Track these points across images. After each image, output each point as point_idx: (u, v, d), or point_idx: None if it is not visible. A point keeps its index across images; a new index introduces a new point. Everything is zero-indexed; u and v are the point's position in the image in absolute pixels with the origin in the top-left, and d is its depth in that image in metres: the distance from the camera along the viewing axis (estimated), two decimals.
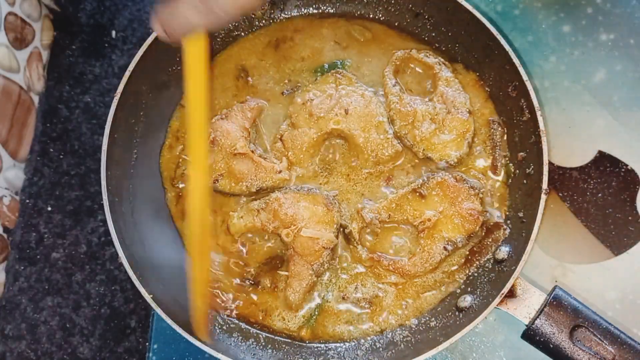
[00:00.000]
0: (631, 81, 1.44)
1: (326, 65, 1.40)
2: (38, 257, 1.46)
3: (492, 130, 1.34)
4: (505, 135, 1.34)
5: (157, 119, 1.38)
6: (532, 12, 1.48)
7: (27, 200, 1.49)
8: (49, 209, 1.49)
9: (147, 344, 1.37)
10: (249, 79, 1.40)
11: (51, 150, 1.53)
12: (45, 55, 1.58)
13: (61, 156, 1.53)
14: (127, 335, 1.43)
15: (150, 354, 1.34)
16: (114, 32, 1.60)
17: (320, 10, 1.44)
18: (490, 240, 1.28)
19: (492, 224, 1.29)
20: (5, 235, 1.45)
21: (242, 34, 1.43)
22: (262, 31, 1.44)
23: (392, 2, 1.41)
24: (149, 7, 1.60)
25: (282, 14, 1.44)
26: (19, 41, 1.49)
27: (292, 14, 1.44)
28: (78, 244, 1.47)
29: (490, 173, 1.33)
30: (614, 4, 1.47)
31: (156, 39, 1.28)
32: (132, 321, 1.44)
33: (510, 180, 1.32)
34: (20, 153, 1.50)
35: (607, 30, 1.46)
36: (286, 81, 1.40)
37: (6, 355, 1.41)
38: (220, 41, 1.42)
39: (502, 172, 1.33)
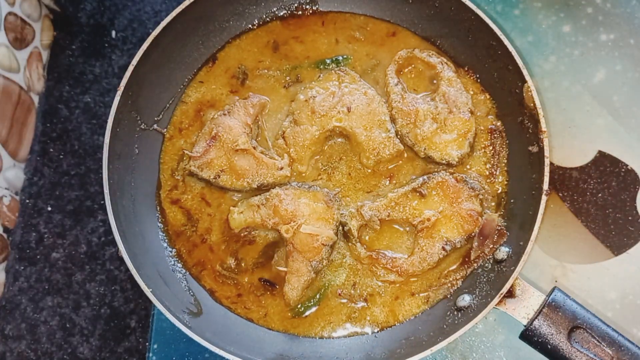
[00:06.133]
0: (631, 81, 1.44)
1: (328, 60, 1.40)
2: (38, 257, 1.47)
3: (493, 138, 1.34)
4: (506, 142, 1.34)
5: (159, 114, 1.38)
6: (532, 12, 1.48)
7: (27, 200, 1.49)
8: (49, 209, 1.49)
9: (147, 344, 1.37)
10: (247, 82, 1.40)
11: (51, 150, 1.53)
12: (45, 55, 1.58)
13: (61, 156, 1.53)
14: (127, 335, 1.43)
15: (150, 354, 1.34)
16: (114, 32, 1.60)
17: (322, 9, 1.44)
18: (489, 243, 1.28)
19: (491, 226, 1.29)
20: (5, 235, 1.45)
21: (244, 32, 1.43)
22: (262, 30, 1.44)
23: (396, 1, 1.41)
24: (148, 7, 1.61)
25: (283, 12, 1.43)
26: (19, 41, 1.49)
27: (294, 12, 1.44)
28: (78, 244, 1.48)
29: (489, 175, 1.33)
30: (614, 4, 1.47)
31: (160, 33, 1.29)
32: (132, 321, 1.44)
33: (510, 182, 1.33)
34: (20, 153, 1.50)
35: (607, 30, 1.46)
36: (287, 78, 1.40)
37: (6, 355, 1.41)
38: (219, 39, 1.42)
39: (502, 175, 1.33)
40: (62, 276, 1.46)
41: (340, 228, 1.32)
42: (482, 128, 1.35)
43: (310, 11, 1.43)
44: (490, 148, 1.34)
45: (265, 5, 1.42)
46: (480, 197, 1.29)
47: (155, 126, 1.37)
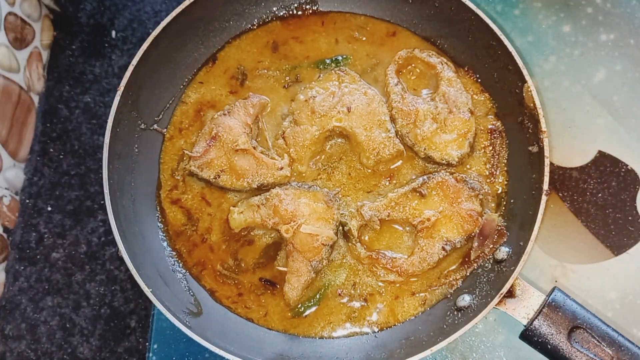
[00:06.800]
0: (631, 81, 1.44)
1: (328, 60, 1.40)
2: (38, 257, 1.47)
3: (493, 138, 1.34)
4: (506, 142, 1.34)
5: (159, 114, 1.38)
6: (532, 12, 1.48)
7: (27, 200, 1.49)
8: (49, 209, 1.49)
9: (147, 344, 1.37)
10: (247, 82, 1.40)
11: (51, 150, 1.53)
12: (45, 55, 1.58)
13: (61, 156, 1.53)
14: (127, 335, 1.43)
15: (150, 354, 1.34)
16: (114, 32, 1.60)
17: (322, 9, 1.44)
18: (489, 243, 1.28)
19: (491, 226, 1.29)
20: (5, 235, 1.45)
21: (244, 32, 1.43)
22: (262, 30, 1.44)
23: (396, 1, 1.41)
24: (148, 7, 1.61)
25: (283, 12, 1.43)
26: (19, 41, 1.49)
27: (294, 12, 1.44)
28: (78, 244, 1.48)
29: (489, 175, 1.33)
30: (614, 4, 1.47)
31: (160, 33, 1.28)
32: (132, 321, 1.44)
33: (510, 182, 1.33)
34: (20, 153, 1.50)
35: (607, 30, 1.46)
36: (287, 78, 1.40)
37: (6, 355, 1.41)
38: (219, 40, 1.42)
39: (502, 175, 1.33)
40: (62, 276, 1.46)
41: (340, 228, 1.32)
42: (482, 128, 1.35)
43: (310, 11, 1.43)
44: (490, 148, 1.34)
45: (265, 5, 1.42)
46: (480, 197, 1.29)
47: (155, 126, 1.37)
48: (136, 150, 1.34)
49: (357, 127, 1.31)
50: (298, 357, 1.26)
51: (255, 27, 1.43)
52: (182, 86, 1.39)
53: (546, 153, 1.23)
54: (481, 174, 1.33)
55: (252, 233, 1.32)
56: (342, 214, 1.31)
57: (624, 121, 1.42)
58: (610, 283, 1.35)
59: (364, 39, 1.41)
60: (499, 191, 1.33)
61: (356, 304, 1.30)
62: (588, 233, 1.37)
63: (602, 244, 1.37)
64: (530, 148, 1.28)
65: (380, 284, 1.30)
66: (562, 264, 1.36)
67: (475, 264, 1.29)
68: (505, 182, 1.33)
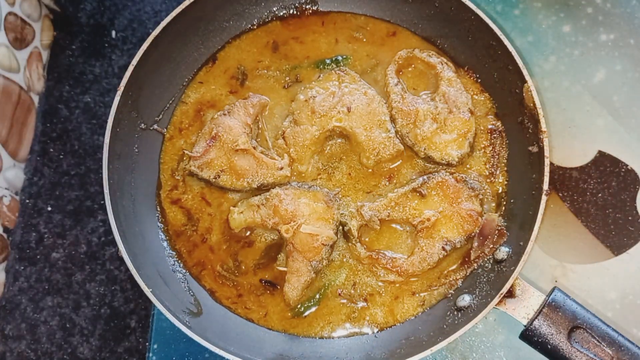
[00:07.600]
0: (631, 81, 1.44)
1: (328, 60, 1.40)
2: (38, 257, 1.47)
3: (493, 138, 1.34)
4: (506, 142, 1.34)
5: (159, 114, 1.38)
6: (532, 12, 1.48)
7: (27, 200, 1.49)
8: (49, 209, 1.49)
9: (147, 344, 1.37)
10: (247, 82, 1.40)
11: (51, 150, 1.53)
12: (45, 55, 1.58)
13: (61, 156, 1.53)
14: (127, 335, 1.43)
15: (150, 354, 1.34)
16: (114, 32, 1.60)
17: (322, 9, 1.44)
18: (489, 243, 1.28)
19: (491, 226, 1.29)
20: (5, 235, 1.45)
21: (244, 32, 1.43)
22: (262, 30, 1.44)
23: (396, 1, 1.41)
24: (148, 7, 1.61)
25: (283, 12, 1.43)
26: (19, 41, 1.49)
27: (294, 12, 1.44)
28: (78, 244, 1.48)
29: (489, 175, 1.33)
30: (614, 4, 1.47)
31: (160, 33, 1.28)
32: (132, 321, 1.44)
33: (510, 182, 1.33)
34: (20, 153, 1.50)
35: (607, 30, 1.46)
36: (287, 78, 1.40)
37: (6, 355, 1.41)
38: (219, 40, 1.42)
39: (502, 175, 1.33)
40: (62, 276, 1.46)
41: (340, 228, 1.32)
42: (482, 128, 1.35)
43: (310, 11, 1.43)
44: (490, 148, 1.34)
45: (265, 5, 1.42)
46: (480, 197, 1.29)
47: (155, 126, 1.37)
48: (136, 150, 1.34)
49: (357, 127, 1.31)
50: (298, 357, 1.26)
51: (255, 27, 1.43)
52: (182, 86, 1.39)
53: (546, 153, 1.23)
54: (481, 174, 1.33)
55: (252, 234, 1.32)
56: (342, 214, 1.31)
57: (624, 121, 1.42)
58: (610, 283, 1.35)
59: (364, 39, 1.41)
60: (499, 191, 1.33)
61: (356, 304, 1.30)
62: (588, 233, 1.37)
63: (602, 244, 1.37)
64: (530, 148, 1.28)
65: (380, 284, 1.30)
66: (562, 264, 1.36)
67: (475, 264, 1.29)
68: (505, 182, 1.33)
